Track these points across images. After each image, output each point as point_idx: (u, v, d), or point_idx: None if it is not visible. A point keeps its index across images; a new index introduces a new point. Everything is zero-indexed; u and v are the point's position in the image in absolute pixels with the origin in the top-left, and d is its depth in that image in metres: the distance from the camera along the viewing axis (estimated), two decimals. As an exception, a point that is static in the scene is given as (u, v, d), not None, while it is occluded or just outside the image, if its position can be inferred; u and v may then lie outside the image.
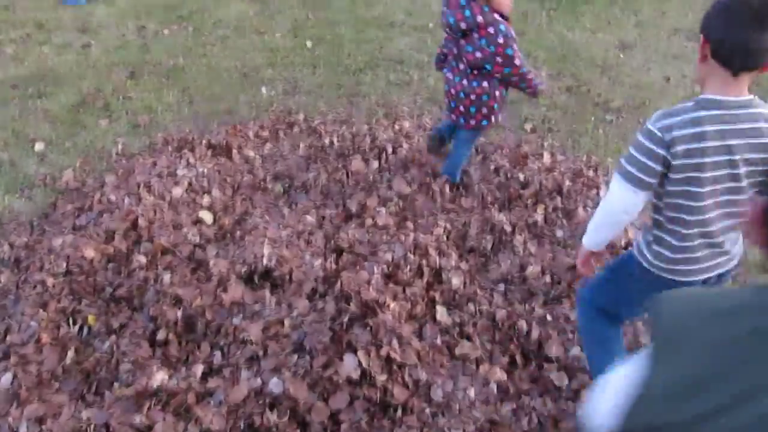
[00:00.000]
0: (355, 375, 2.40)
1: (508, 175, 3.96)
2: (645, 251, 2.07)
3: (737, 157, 1.82)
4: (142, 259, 3.06)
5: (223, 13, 7.22)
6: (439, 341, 2.63)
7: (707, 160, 1.82)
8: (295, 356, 2.51)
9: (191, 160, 3.99)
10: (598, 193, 3.81)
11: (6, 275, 3.17)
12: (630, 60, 6.01)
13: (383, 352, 2.47)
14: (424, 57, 6.05)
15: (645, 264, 2.07)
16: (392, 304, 2.67)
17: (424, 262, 3.04)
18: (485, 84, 3.40)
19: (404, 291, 2.80)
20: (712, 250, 1.99)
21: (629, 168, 1.88)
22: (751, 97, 1.83)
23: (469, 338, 2.69)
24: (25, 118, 4.87)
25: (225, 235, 3.36)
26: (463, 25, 3.25)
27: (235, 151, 4.21)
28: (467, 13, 3.22)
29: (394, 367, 2.45)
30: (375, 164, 4.05)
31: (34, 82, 5.48)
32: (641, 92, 5.34)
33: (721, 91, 1.80)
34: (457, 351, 2.62)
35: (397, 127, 4.61)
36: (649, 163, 1.84)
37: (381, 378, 2.40)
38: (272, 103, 5.14)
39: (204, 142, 4.28)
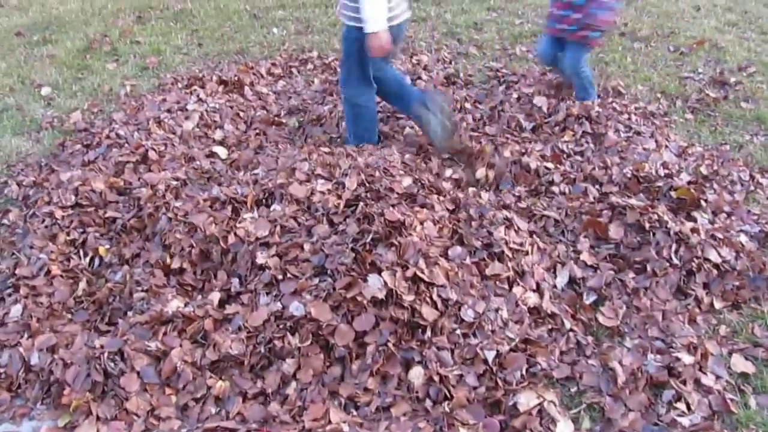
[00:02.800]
0: (381, 295, 2.25)
1: (533, 103, 3.76)
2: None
3: None
4: (153, 190, 2.92)
5: (230, -41, 6.99)
6: (468, 261, 2.48)
7: None
8: (317, 279, 2.37)
9: (202, 96, 3.83)
10: (629, 118, 3.61)
11: (15, 213, 3.05)
12: (657, -9, 5.73)
13: (409, 272, 2.32)
14: (441, -6, 5.82)
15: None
16: (418, 225, 2.51)
17: (446, 185, 2.88)
18: None
19: (430, 213, 2.64)
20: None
21: None
22: None
23: (499, 259, 2.53)
24: (31, 64, 4.73)
25: (239, 167, 3.21)
26: None
27: (247, 87, 4.05)
28: None
29: (422, 287, 2.31)
30: (393, 96, 3.86)
31: (39, 29, 5.34)
32: (670, 21, 5.09)
33: None
34: (488, 271, 2.47)
35: (415, 60, 4.41)
36: None
37: (408, 298, 2.26)
38: (284, 42, 4.96)
39: (215, 79, 4.12)
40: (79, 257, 2.70)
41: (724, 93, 4.03)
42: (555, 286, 2.54)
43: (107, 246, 2.75)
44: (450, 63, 4.46)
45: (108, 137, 3.43)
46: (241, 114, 3.72)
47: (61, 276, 2.61)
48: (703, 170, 3.17)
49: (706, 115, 3.81)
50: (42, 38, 5.16)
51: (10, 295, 2.56)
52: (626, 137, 3.44)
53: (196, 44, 4.95)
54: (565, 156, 3.25)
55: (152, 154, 3.18)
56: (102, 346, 2.22)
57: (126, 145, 3.30)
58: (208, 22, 5.37)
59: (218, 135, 3.46)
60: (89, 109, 4.06)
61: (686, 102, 3.95)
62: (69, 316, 2.47)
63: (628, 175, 3.02)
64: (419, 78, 4.05)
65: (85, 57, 4.81)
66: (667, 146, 3.39)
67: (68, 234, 2.77)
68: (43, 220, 2.87)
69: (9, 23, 5.50)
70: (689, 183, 2.99)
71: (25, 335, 2.34)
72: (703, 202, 2.89)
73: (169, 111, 3.64)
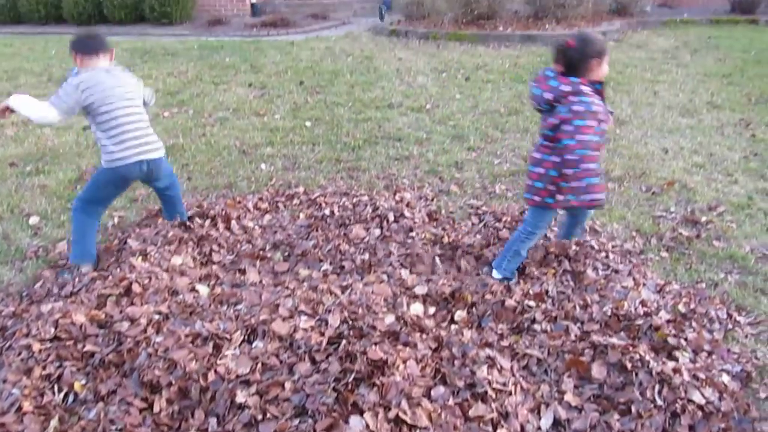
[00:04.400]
0: (362, 438, 2.21)
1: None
2: (104, 157, 3.58)
3: None
4: (135, 324, 2.90)
5: (222, 98, 7.35)
6: (451, 402, 2.45)
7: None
8: (297, 420, 2.32)
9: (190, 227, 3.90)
10: (607, 256, 3.71)
11: (-10, 345, 2.99)
12: (627, 134, 6.07)
13: (392, 413, 2.28)
14: (423, 134, 6.11)
15: (109, 165, 3.56)
16: (401, 364, 2.50)
17: (428, 323, 2.90)
18: (555, 158, 3.16)
19: (413, 351, 2.64)
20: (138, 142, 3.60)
21: (61, 103, 3.38)
22: None
23: (483, 400, 2.50)
24: (21, 194, 4.81)
25: (222, 301, 3.21)
26: (548, 96, 3.10)
27: (234, 221, 4.13)
28: (553, 83, 3.09)
29: (404, 429, 2.26)
30: (377, 232, 3.96)
31: (33, 160, 5.48)
32: (641, 163, 5.34)
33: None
34: (471, 413, 2.44)
35: (398, 197, 4.56)
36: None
37: (390, 441, 2.21)
38: (271, 177, 5.12)
39: (202, 213, 4.20)
40: (53, 393, 2.63)
41: (697, 232, 4.17)
42: (539, 428, 2.50)
43: (83, 381, 2.68)
44: (432, 200, 4.61)
45: (92, 269, 3.44)
46: (227, 247, 3.77)
47: (33, 413, 2.52)
48: (681, 308, 3.23)
49: (680, 253, 3.92)
50: (35, 168, 5.29)
51: (-24, 433, 2.46)
52: (605, 275, 3.52)
53: (185, 178, 5.09)
54: (546, 294, 3.30)
55: (136, 287, 3.18)
56: (69, 492, 2.12)
57: (110, 277, 3.31)
58: (198, 156, 5.56)
59: (203, 270, 3.49)
60: (75, 239, 4.09)
61: (661, 240, 4.07)
62: (36, 457, 2.37)
63: (608, 314, 3.07)
64: (402, 215, 4.17)
65: (76, 188, 4.91)
66: (644, 284, 3.47)
67: (44, 368, 2.71)
68: (20, 353, 2.81)
69: (4, 153, 5.65)
70: (668, 321, 3.04)
71: (-12, 479, 2.23)
72: (683, 341, 2.92)
73: (154, 244, 3.68)
